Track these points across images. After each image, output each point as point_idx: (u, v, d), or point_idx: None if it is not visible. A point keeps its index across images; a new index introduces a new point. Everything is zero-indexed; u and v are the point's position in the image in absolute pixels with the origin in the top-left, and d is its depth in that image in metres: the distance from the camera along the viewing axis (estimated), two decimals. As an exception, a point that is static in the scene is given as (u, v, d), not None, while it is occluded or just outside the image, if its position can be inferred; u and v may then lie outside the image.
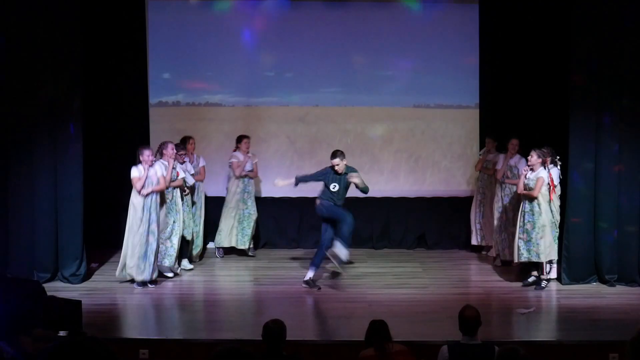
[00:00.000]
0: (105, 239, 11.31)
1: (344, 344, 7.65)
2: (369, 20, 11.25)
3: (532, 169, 9.21)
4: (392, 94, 11.39)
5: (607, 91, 9.36)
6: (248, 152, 10.88)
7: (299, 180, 9.48)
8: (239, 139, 10.87)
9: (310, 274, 9.34)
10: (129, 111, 11.39)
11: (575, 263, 9.54)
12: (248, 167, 10.84)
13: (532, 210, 9.15)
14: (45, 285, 8.67)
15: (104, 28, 11.11)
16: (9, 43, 9.36)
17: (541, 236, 9.12)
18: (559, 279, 9.61)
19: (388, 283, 9.53)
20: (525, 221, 9.17)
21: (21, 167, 9.49)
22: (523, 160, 9.89)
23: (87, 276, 9.80)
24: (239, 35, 11.31)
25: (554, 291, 9.39)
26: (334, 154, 9.36)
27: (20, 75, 9.41)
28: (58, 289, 9.18)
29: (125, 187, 11.38)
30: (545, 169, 9.19)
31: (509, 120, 11.23)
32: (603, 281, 9.55)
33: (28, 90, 9.44)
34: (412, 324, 8.14)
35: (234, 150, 10.90)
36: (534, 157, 9.19)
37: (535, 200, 9.12)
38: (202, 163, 10.66)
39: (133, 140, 11.40)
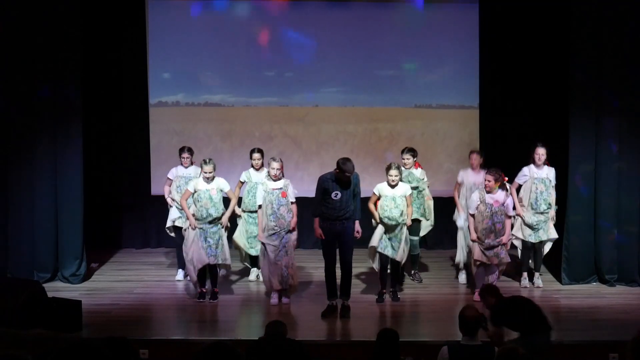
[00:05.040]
0: (105, 239, 11.31)
1: (344, 344, 7.66)
2: (369, 20, 11.23)
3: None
4: (393, 94, 11.37)
5: (607, 91, 9.37)
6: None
7: (317, 214, 8.60)
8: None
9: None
10: (129, 111, 11.38)
11: (575, 263, 9.54)
12: None
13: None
14: (45, 285, 8.70)
15: (104, 28, 11.10)
16: (9, 43, 9.36)
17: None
18: (558, 279, 9.63)
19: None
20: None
21: (21, 167, 9.49)
22: (552, 169, 9.36)
23: (87, 276, 9.80)
24: (239, 35, 11.29)
25: (554, 291, 9.39)
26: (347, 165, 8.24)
27: (20, 75, 9.41)
28: (58, 289, 9.19)
29: (125, 187, 11.44)
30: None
31: (509, 120, 11.23)
32: (603, 281, 9.55)
33: (28, 90, 9.45)
34: (412, 324, 8.14)
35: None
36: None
37: None
38: None
39: (133, 140, 11.43)
